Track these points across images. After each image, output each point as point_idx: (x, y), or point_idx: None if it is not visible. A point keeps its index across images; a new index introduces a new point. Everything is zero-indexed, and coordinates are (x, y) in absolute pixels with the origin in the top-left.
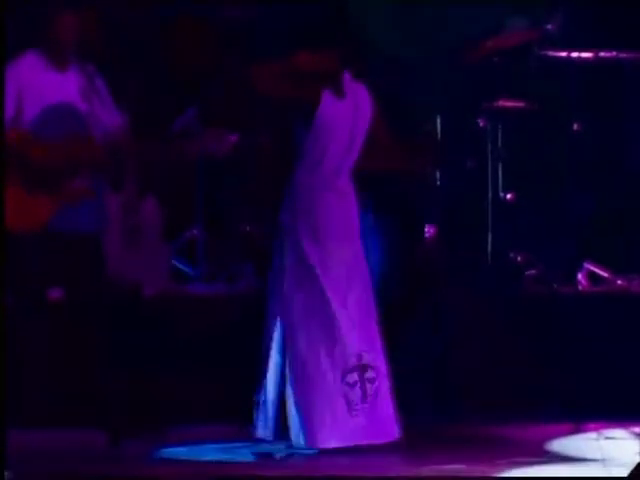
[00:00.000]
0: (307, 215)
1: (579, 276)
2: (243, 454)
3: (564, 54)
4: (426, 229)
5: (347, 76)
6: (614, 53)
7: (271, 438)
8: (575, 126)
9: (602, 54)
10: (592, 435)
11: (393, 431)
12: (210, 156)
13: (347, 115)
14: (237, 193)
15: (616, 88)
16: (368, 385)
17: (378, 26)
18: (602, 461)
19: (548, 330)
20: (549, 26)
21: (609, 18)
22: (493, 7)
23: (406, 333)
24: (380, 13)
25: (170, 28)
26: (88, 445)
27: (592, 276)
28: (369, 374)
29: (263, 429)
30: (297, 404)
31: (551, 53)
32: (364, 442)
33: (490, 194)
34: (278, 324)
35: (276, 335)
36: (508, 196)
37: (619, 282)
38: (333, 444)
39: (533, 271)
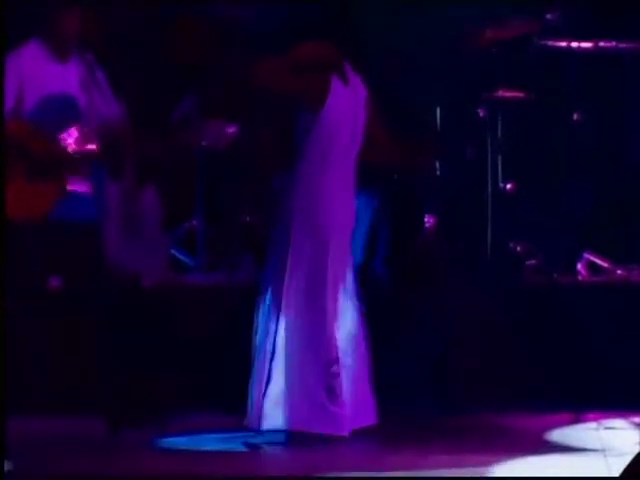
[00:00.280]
0: (312, 206)
1: (579, 266)
2: (243, 444)
3: (564, 44)
4: (426, 219)
5: (348, 67)
6: (614, 43)
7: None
8: (575, 116)
9: (602, 44)
10: (592, 425)
11: (371, 416)
12: (210, 147)
13: (351, 103)
14: (237, 183)
15: (616, 78)
16: (344, 373)
17: (377, 18)
18: (602, 451)
19: (548, 320)
20: (549, 16)
21: (609, 8)
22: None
23: (406, 324)
24: (380, 5)
25: (170, 21)
26: (88, 434)
27: (592, 266)
28: (347, 361)
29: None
30: (281, 387)
31: (551, 43)
32: (346, 432)
33: (490, 184)
34: (271, 310)
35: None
36: (508, 186)
37: (619, 272)
38: (314, 429)
39: (533, 261)
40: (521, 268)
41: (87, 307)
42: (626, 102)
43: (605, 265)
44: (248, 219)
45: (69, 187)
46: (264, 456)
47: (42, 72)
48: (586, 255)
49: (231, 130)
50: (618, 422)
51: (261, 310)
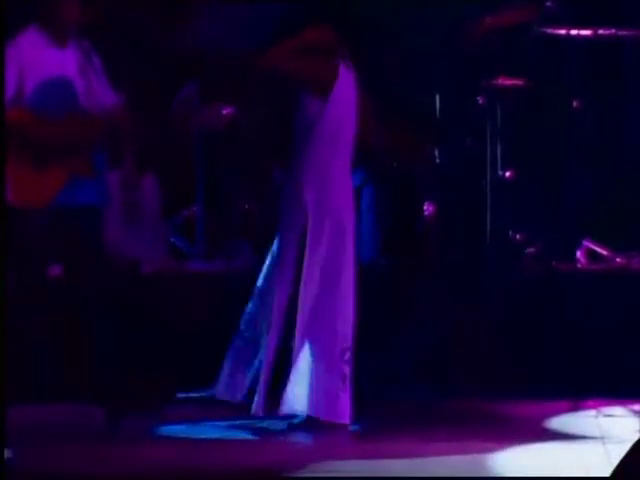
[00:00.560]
0: (326, 193)
1: (578, 254)
2: (242, 432)
3: (563, 32)
4: (425, 207)
5: (346, 52)
6: (613, 31)
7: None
8: (574, 104)
9: (601, 32)
10: (591, 413)
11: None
12: (208, 130)
13: (352, 88)
14: (236, 171)
15: (615, 66)
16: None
17: (377, 4)
18: (601, 439)
19: (547, 308)
20: (548, 3)
21: None
22: None
23: (406, 311)
24: None
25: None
26: (87, 422)
27: (591, 254)
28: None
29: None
30: (302, 373)
31: (550, 31)
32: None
33: (489, 172)
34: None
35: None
36: (507, 174)
37: (618, 260)
38: (328, 417)
39: (532, 249)
40: (520, 256)
41: (87, 294)
42: (626, 90)
43: (604, 253)
44: (247, 206)
45: (71, 173)
46: (264, 444)
47: (42, 57)
48: (585, 243)
49: (228, 111)
50: (617, 410)
51: (264, 299)
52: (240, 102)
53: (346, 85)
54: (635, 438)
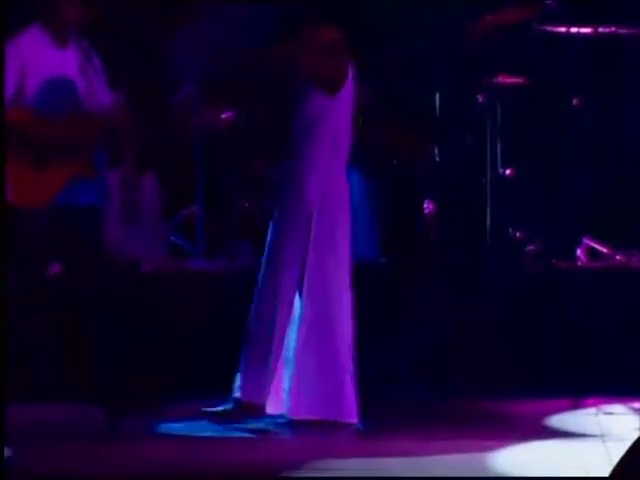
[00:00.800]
0: (330, 190)
1: (578, 252)
2: (242, 430)
3: (563, 30)
4: (425, 205)
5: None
6: (613, 29)
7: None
8: (574, 102)
9: (601, 30)
10: (591, 411)
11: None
12: (207, 131)
13: (353, 88)
14: (236, 170)
15: (615, 64)
16: None
17: (377, 3)
18: (601, 436)
19: (547, 306)
20: (548, 1)
21: None
22: None
23: (406, 310)
24: None
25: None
26: (87, 422)
27: (591, 252)
28: None
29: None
30: (318, 376)
31: (550, 29)
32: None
33: (489, 170)
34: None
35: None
36: (507, 172)
37: (618, 257)
38: (343, 418)
39: (532, 247)
40: (520, 254)
41: (87, 294)
42: (626, 88)
43: (604, 251)
44: (247, 205)
45: (71, 173)
46: (263, 442)
47: (42, 57)
48: (585, 241)
49: (227, 114)
50: (617, 407)
51: (271, 298)
52: (240, 102)
53: (349, 86)
54: (635, 436)
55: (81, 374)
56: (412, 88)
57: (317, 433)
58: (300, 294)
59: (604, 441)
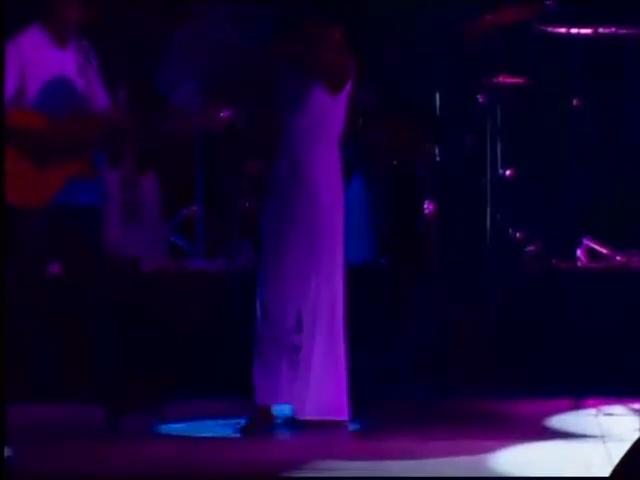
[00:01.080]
0: (329, 186)
1: (578, 252)
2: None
3: (564, 30)
4: (425, 205)
5: None
6: (613, 29)
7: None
8: (575, 102)
9: (601, 30)
10: (591, 411)
11: None
12: (206, 130)
13: (351, 85)
14: (236, 169)
15: (615, 64)
16: None
17: (378, 3)
18: (601, 437)
19: (547, 306)
20: (548, 2)
21: None
22: None
23: (406, 310)
24: None
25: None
26: (87, 422)
27: (591, 252)
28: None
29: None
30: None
31: (551, 29)
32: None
33: (489, 171)
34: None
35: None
36: (507, 173)
37: (618, 258)
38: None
39: (532, 247)
40: (521, 254)
41: (87, 294)
42: (626, 88)
43: (604, 251)
44: (247, 205)
45: (71, 173)
46: (263, 443)
47: (42, 57)
48: (586, 241)
49: (226, 114)
50: (617, 408)
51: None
52: (240, 102)
53: (350, 84)
54: (635, 437)
55: (81, 374)
56: (412, 88)
57: (316, 433)
58: (305, 293)
59: (604, 442)
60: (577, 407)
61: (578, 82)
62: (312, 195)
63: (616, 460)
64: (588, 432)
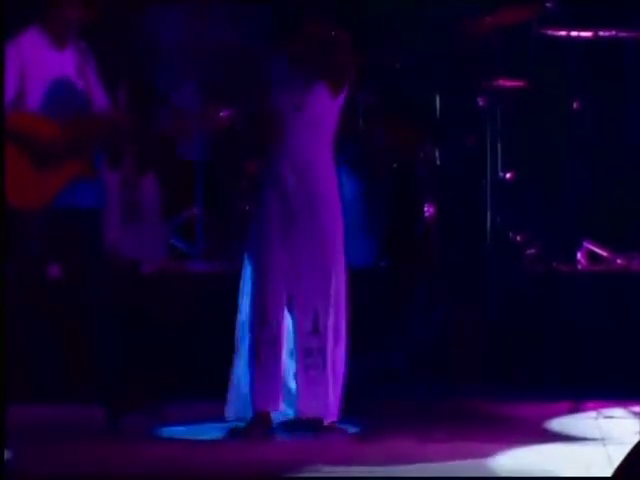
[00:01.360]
0: (329, 186)
1: (579, 255)
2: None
3: (563, 33)
4: (425, 208)
5: None
6: (613, 32)
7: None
8: (575, 105)
9: (601, 33)
10: (591, 414)
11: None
12: (207, 130)
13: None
14: (236, 171)
15: (615, 67)
16: None
17: (377, 4)
18: (601, 440)
19: (547, 309)
20: (548, 4)
21: None
22: None
23: (406, 311)
24: None
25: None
26: (87, 422)
27: (592, 255)
28: None
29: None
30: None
31: (550, 32)
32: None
33: (489, 173)
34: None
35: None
36: (507, 175)
37: (618, 261)
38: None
39: (532, 250)
40: (521, 257)
41: (87, 294)
42: (626, 91)
43: (605, 254)
44: (247, 207)
45: (72, 174)
46: (263, 444)
47: (42, 58)
48: (586, 244)
49: (227, 114)
50: (617, 411)
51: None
52: (239, 102)
53: (350, 84)
54: (636, 440)
55: (81, 375)
56: (412, 90)
57: (316, 434)
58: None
59: (604, 444)
60: (577, 410)
61: (578, 85)
62: (312, 195)
63: (616, 463)
64: (588, 434)
